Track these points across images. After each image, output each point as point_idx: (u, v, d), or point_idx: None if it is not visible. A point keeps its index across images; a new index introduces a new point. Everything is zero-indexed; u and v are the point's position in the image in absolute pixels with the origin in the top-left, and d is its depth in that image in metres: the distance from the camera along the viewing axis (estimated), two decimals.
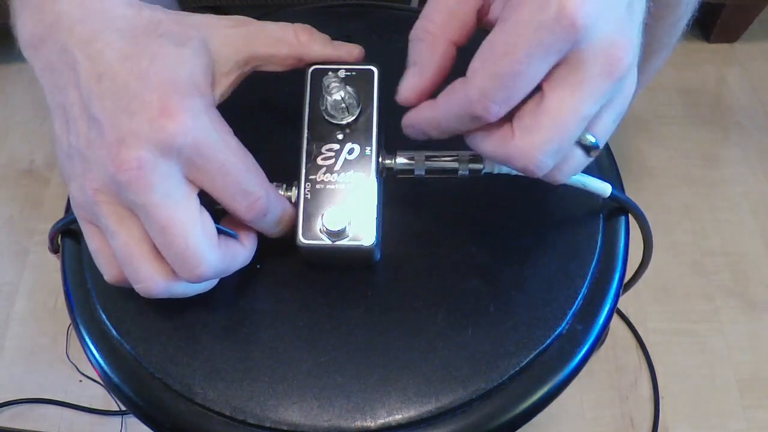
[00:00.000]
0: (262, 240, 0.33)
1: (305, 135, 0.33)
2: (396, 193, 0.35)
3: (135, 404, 0.33)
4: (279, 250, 0.35)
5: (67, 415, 0.80)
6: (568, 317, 0.34)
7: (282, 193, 0.32)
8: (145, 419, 0.33)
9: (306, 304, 0.35)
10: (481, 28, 0.29)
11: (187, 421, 0.32)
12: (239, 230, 0.31)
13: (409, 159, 0.33)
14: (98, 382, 0.81)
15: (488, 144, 0.28)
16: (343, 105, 0.32)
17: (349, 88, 0.32)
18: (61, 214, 0.37)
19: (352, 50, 0.34)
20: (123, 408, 0.79)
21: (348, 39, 0.35)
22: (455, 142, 0.30)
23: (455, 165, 0.32)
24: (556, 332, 0.34)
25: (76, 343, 0.78)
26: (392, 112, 0.32)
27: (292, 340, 0.33)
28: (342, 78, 0.32)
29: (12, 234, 0.94)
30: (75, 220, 0.31)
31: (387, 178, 0.34)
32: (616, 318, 0.86)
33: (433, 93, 0.30)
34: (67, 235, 0.38)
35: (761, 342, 0.85)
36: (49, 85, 0.29)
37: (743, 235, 0.93)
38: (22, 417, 0.81)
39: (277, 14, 0.46)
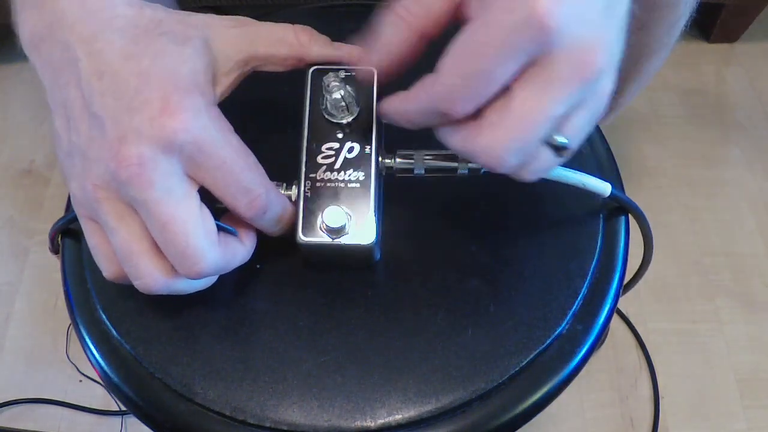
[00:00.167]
0: (262, 240, 0.33)
1: (305, 134, 0.33)
2: (396, 193, 0.35)
3: (135, 404, 0.33)
4: (279, 250, 0.35)
5: (67, 415, 0.80)
6: (568, 317, 0.34)
7: (282, 191, 0.32)
8: (145, 419, 0.33)
9: (306, 304, 0.35)
10: (455, 24, 0.29)
11: (187, 421, 0.32)
12: (239, 228, 0.31)
13: (408, 158, 0.33)
14: (98, 382, 0.81)
15: (455, 139, 0.28)
16: (343, 104, 0.32)
17: (348, 88, 0.32)
18: (61, 214, 0.37)
19: (352, 51, 0.34)
20: (123, 408, 0.79)
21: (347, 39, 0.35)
22: None
23: (455, 164, 0.32)
24: (556, 332, 0.34)
25: (76, 343, 0.78)
26: None
27: (292, 340, 0.33)
28: (342, 78, 0.32)
29: (12, 234, 0.94)
30: (75, 219, 0.31)
31: (387, 178, 0.34)
32: (616, 318, 0.86)
33: (402, 78, 0.30)
34: (67, 235, 0.38)
35: (761, 342, 0.85)
36: (50, 83, 0.29)
37: (743, 235, 0.93)
38: (22, 417, 0.81)
39: (277, 14, 0.46)
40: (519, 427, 0.33)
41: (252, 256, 0.32)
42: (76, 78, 0.27)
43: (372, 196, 0.32)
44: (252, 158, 0.30)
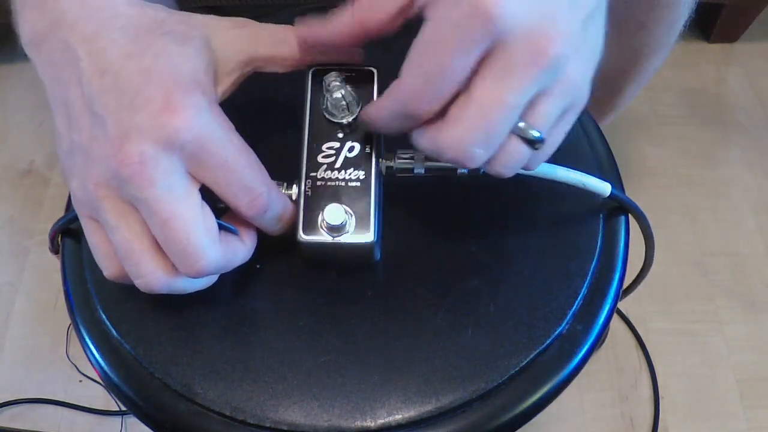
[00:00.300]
0: (263, 240, 0.33)
1: (306, 133, 0.33)
2: (396, 193, 0.35)
3: (135, 404, 0.33)
4: (279, 250, 0.35)
5: (67, 415, 0.80)
6: (568, 317, 0.34)
7: (283, 191, 0.32)
8: (145, 419, 0.33)
9: (306, 304, 0.35)
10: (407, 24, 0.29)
11: (187, 421, 0.32)
12: (240, 227, 0.31)
13: (408, 157, 0.33)
14: (98, 382, 0.81)
15: (424, 139, 0.28)
16: (344, 103, 0.32)
17: (349, 87, 0.32)
18: (61, 214, 0.37)
19: (352, 52, 0.34)
20: (123, 408, 0.79)
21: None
22: None
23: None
24: (556, 332, 0.34)
25: (76, 343, 0.78)
26: None
27: (292, 340, 0.33)
28: (342, 78, 0.32)
29: (12, 234, 0.94)
30: (75, 219, 0.31)
31: (387, 177, 0.34)
32: (616, 318, 0.86)
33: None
34: (67, 235, 0.38)
35: (761, 342, 0.85)
36: (50, 82, 0.29)
37: (743, 235, 0.93)
38: (22, 417, 0.81)
39: (277, 14, 0.46)
40: (519, 427, 0.33)
41: (252, 255, 0.32)
42: (77, 77, 0.27)
43: (372, 194, 0.32)
44: (253, 157, 0.30)
